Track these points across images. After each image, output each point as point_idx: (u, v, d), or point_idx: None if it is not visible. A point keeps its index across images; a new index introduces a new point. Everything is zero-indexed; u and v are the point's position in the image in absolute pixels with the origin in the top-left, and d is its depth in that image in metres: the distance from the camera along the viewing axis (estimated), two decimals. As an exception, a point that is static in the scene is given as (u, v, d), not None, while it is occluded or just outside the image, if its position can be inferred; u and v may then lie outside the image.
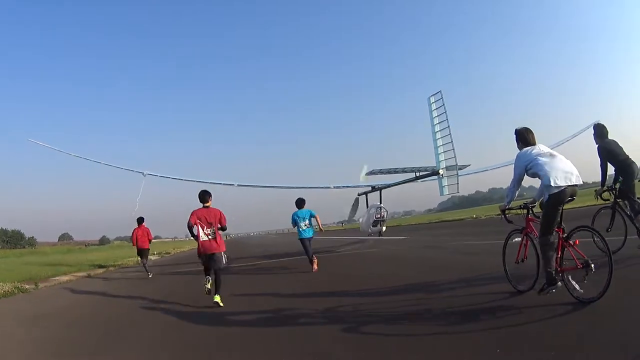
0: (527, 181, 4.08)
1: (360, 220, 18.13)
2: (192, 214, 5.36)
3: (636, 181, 5.34)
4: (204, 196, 5.48)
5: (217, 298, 5.12)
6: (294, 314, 4.38)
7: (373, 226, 16.17)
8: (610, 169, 5.51)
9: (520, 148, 3.97)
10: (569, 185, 3.48)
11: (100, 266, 15.06)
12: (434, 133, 13.85)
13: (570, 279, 3.49)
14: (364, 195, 18.86)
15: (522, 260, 4.10)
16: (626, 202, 5.28)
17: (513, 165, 3.99)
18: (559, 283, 3.47)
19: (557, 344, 2.64)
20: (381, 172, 16.90)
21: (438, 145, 13.73)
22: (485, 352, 2.67)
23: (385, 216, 16.49)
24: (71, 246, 68.64)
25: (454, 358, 2.66)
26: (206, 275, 5.36)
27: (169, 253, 25.41)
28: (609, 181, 5.53)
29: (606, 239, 3.45)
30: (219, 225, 5.42)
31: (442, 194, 14.24)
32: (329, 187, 19.05)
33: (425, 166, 15.72)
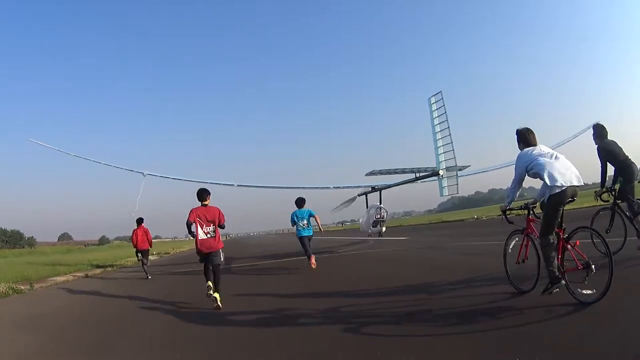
0: (527, 182, 4.10)
1: (360, 220, 18.13)
2: (191, 212, 5.35)
3: (636, 182, 5.34)
4: (202, 194, 5.48)
5: (217, 295, 5.12)
6: (294, 314, 4.37)
7: (373, 226, 16.19)
8: (610, 170, 5.51)
9: (521, 148, 3.97)
10: (570, 186, 3.48)
11: (99, 266, 14.93)
12: (435, 134, 13.85)
13: (570, 280, 3.49)
14: (364, 196, 18.87)
15: (523, 261, 4.10)
16: (625, 203, 5.27)
17: (514, 165, 3.99)
18: (562, 281, 3.46)
19: (557, 345, 2.64)
20: (381, 172, 16.91)
21: (438, 146, 13.73)
22: (486, 352, 2.67)
23: (385, 217, 16.51)
24: (70, 246, 68.57)
25: (454, 358, 2.66)
26: (207, 280, 5.31)
27: (168, 253, 25.35)
28: (609, 182, 5.52)
29: (606, 240, 3.45)
30: (219, 223, 5.43)
31: (442, 194, 14.27)
32: (328, 188, 19.07)
33: (425, 167, 15.73)
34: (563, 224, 3.63)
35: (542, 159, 3.66)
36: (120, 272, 13.22)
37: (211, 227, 5.35)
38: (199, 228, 5.30)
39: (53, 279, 10.99)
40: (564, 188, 3.46)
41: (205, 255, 5.39)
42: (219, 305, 5.02)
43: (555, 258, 3.53)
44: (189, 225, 5.36)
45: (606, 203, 5.55)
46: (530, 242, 4.05)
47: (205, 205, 5.45)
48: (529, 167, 3.75)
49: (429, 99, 14.17)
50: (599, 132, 5.57)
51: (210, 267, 5.38)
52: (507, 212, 4.20)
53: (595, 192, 5.62)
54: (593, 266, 3.29)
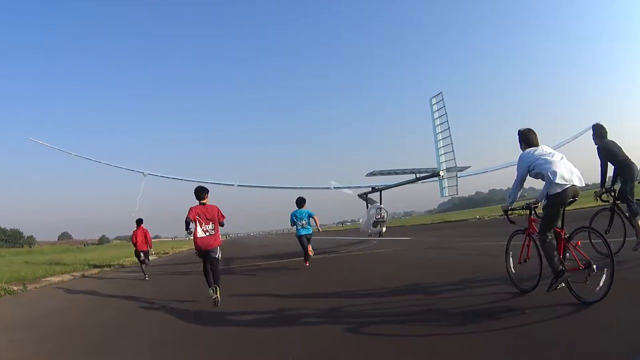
0: (528, 182, 4.08)
1: (360, 220, 18.11)
2: (191, 210, 5.35)
3: (636, 182, 5.32)
4: (200, 193, 5.48)
5: (216, 288, 5.16)
6: (294, 314, 4.36)
7: (373, 227, 16.15)
8: (610, 170, 5.50)
9: (523, 149, 3.97)
10: (571, 186, 3.48)
11: (96, 266, 14.82)
12: (435, 134, 13.82)
13: (572, 280, 3.47)
14: (364, 196, 18.83)
15: (525, 261, 4.09)
16: (625, 203, 5.26)
17: (516, 166, 3.99)
18: (567, 273, 3.41)
19: (558, 344, 2.63)
20: (381, 173, 16.87)
21: (439, 146, 13.70)
22: (486, 352, 2.66)
23: (386, 217, 16.47)
24: (70, 245, 68.44)
25: (455, 358, 2.64)
26: (209, 287, 5.27)
27: (167, 253, 25.33)
28: (608, 182, 5.51)
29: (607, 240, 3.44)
30: (219, 221, 5.45)
31: (442, 195, 14.22)
32: (328, 188, 19.04)
33: (426, 167, 15.70)
34: (564, 225, 3.62)
35: (544, 159, 3.66)
36: (117, 272, 13.18)
37: (210, 226, 5.36)
38: (198, 226, 5.32)
39: (47, 279, 10.83)
40: (565, 188, 3.46)
41: (203, 253, 5.42)
42: (217, 297, 5.03)
43: (557, 254, 3.51)
44: (187, 223, 5.35)
45: (605, 203, 5.54)
46: (532, 242, 4.05)
47: (204, 203, 5.45)
48: (530, 167, 3.75)
49: (430, 99, 14.11)
50: (599, 132, 5.56)
51: (210, 268, 5.38)
52: (509, 212, 4.20)
53: (595, 192, 5.61)
54: (594, 266, 3.29)
